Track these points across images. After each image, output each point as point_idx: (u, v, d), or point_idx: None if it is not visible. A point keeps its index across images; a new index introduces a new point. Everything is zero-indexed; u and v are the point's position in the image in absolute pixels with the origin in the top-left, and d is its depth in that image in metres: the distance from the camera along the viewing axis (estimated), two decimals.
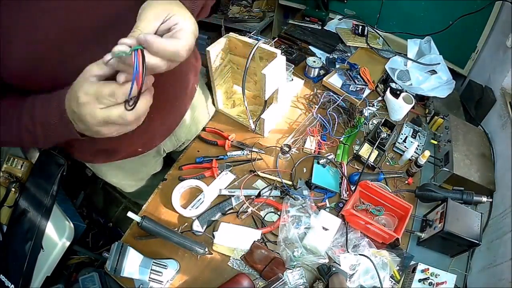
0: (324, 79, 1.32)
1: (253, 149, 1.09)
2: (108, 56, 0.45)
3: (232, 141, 1.10)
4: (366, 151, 1.09)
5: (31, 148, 0.72)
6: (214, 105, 1.19)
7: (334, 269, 0.81)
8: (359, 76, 1.32)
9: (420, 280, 0.82)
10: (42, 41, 0.54)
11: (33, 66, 0.55)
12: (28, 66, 0.55)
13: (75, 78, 0.48)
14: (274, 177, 1.03)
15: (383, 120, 1.16)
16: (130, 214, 0.79)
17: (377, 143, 1.07)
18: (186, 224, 0.95)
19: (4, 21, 0.50)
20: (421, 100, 1.30)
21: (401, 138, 1.15)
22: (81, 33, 0.56)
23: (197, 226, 0.92)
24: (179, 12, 0.49)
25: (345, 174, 1.05)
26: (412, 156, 1.08)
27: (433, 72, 1.30)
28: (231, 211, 0.97)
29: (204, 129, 1.16)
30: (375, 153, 1.08)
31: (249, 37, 1.03)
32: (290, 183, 1.02)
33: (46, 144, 0.61)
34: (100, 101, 0.46)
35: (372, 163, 1.07)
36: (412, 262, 0.89)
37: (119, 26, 0.51)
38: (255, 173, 1.04)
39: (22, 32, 0.52)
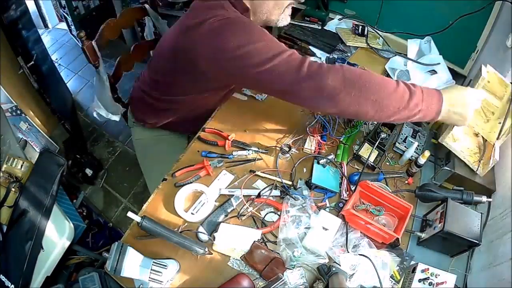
0: None
1: (255, 149, 1.09)
2: None
3: (232, 141, 1.10)
4: (366, 151, 1.09)
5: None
6: None
7: (334, 269, 0.81)
8: None
9: (420, 280, 0.82)
10: None
11: None
12: None
13: None
14: (274, 177, 1.03)
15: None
16: (130, 214, 0.79)
17: (377, 143, 1.07)
18: (186, 224, 0.95)
19: None
20: None
21: (401, 138, 1.15)
22: None
23: (202, 235, 0.92)
24: None
25: (345, 174, 1.05)
26: (412, 156, 1.08)
27: (433, 72, 1.30)
28: (232, 211, 0.97)
29: (203, 130, 1.16)
30: (375, 153, 1.08)
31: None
32: (290, 183, 1.02)
33: (408, 109, 0.81)
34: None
35: (372, 163, 1.07)
36: (412, 262, 0.89)
37: None
38: (255, 173, 1.04)
39: None
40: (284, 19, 1.01)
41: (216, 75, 0.94)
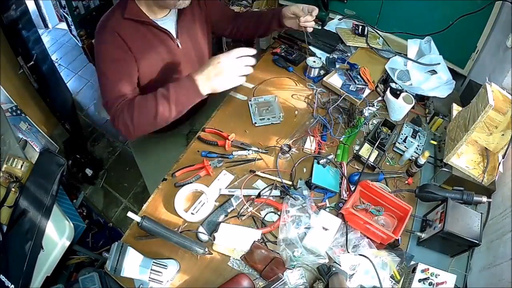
0: (324, 79, 1.32)
1: (255, 149, 1.09)
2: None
3: (232, 141, 1.10)
4: (366, 151, 1.09)
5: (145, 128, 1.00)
6: None
7: (334, 269, 0.81)
8: (359, 76, 1.32)
9: (420, 280, 0.82)
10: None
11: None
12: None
13: None
14: (274, 177, 1.03)
15: (383, 120, 1.16)
16: (130, 214, 0.79)
17: (377, 143, 1.07)
18: (186, 224, 0.95)
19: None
20: (421, 100, 1.30)
21: (401, 138, 1.15)
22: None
23: (202, 235, 0.92)
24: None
25: (345, 174, 1.05)
26: (412, 156, 1.08)
27: (433, 72, 1.30)
28: (232, 211, 0.97)
29: (203, 130, 1.16)
30: (375, 153, 1.08)
31: None
32: (290, 183, 1.02)
33: (175, 111, 0.93)
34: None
35: (372, 163, 1.07)
36: (412, 262, 0.89)
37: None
38: (255, 173, 1.04)
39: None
40: (182, 3, 1.01)
41: None
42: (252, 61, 0.92)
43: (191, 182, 1.01)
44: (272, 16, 1.26)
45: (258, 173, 1.04)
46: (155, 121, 0.94)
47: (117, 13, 1.01)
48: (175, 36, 1.10)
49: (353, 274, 0.85)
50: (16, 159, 1.32)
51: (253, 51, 0.93)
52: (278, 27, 1.28)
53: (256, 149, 1.10)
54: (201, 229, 0.93)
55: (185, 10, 1.08)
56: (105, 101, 1.00)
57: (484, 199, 0.92)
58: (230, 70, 0.90)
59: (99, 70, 1.01)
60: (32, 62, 1.69)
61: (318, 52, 1.48)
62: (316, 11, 1.18)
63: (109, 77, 1.00)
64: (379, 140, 1.08)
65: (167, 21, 1.08)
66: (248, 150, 1.09)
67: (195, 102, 0.95)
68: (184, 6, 1.02)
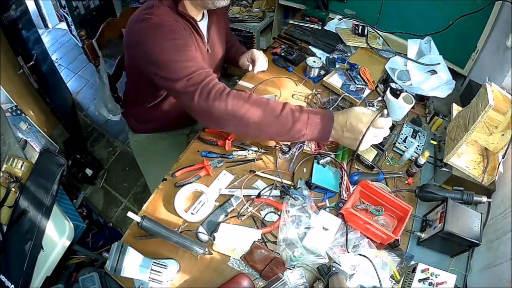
0: (324, 79, 1.32)
1: (255, 149, 1.09)
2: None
3: (232, 141, 1.10)
4: (366, 151, 1.09)
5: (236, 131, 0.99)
6: None
7: (334, 269, 0.81)
8: (359, 76, 1.32)
9: (420, 280, 0.82)
10: None
11: None
12: None
13: None
14: (274, 177, 1.03)
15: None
16: (130, 214, 0.79)
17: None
18: (186, 224, 0.95)
19: None
20: (421, 100, 1.30)
21: (401, 138, 1.15)
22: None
23: (202, 235, 0.92)
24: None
25: (345, 174, 1.05)
26: (412, 156, 1.08)
27: (433, 72, 1.30)
28: (232, 211, 0.97)
29: (204, 130, 1.16)
30: (374, 152, 1.09)
31: None
32: (289, 183, 1.02)
33: (290, 135, 0.88)
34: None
35: (371, 163, 1.07)
36: (412, 262, 0.89)
37: None
38: (255, 173, 1.04)
39: None
40: (221, 2, 1.00)
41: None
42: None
43: (191, 182, 1.01)
44: (235, 54, 1.36)
45: (258, 173, 1.04)
46: (249, 135, 0.94)
47: (164, 5, 0.96)
48: (206, 41, 1.13)
49: (353, 274, 0.85)
50: (16, 159, 1.32)
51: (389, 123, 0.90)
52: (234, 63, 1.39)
53: (256, 149, 1.10)
54: (201, 229, 0.93)
55: (214, 17, 1.12)
56: (186, 78, 0.86)
57: (484, 199, 0.92)
58: (367, 139, 0.87)
59: (164, 56, 0.88)
60: (32, 62, 1.69)
61: (318, 52, 1.48)
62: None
63: (182, 55, 0.89)
64: None
65: (202, 25, 1.10)
66: (248, 150, 1.09)
67: (315, 140, 0.98)
68: (223, 5, 1.02)
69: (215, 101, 0.84)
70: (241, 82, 1.35)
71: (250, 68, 1.29)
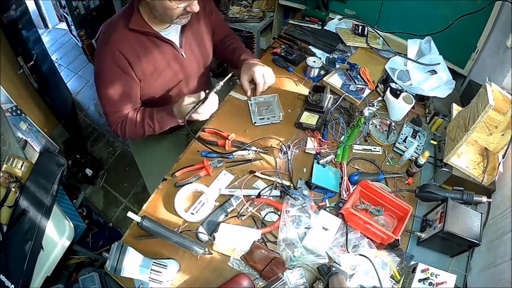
0: (324, 79, 1.32)
1: (255, 149, 1.09)
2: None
3: (232, 141, 1.10)
4: (307, 118, 1.17)
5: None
6: None
7: (334, 269, 0.82)
8: (359, 76, 1.32)
9: (420, 280, 0.82)
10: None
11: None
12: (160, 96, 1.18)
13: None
14: (274, 178, 1.03)
15: (312, 86, 1.24)
16: (130, 214, 0.79)
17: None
18: (186, 224, 0.95)
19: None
20: (421, 100, 1.30)
21: (401, 138, 1.15)
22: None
23: (202, 235, 0.92)
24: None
25: (345, 174, 1.05)
26: (412, 156, 1.08)
27: (433, 72, 1.30)
28: (232, 211, 0.97)
29: (203, 130, 1.16)
30: (316, 117, 1.17)
31: None
32: (288, 183, 1.02)
33: (158, 132, 1.14)
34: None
35: (314, 126, 1.13)
36: (412, 262, 0.89)
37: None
38: (255, 173, 1.04)
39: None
40: (181, 21, 1.03)
41: None
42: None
43: (191, 182, 1.01)
44: (237, 60, 1.30)
45: (258, 174, 1.04)
46: (143, 136, 1.15)
47: (121, 24, 1.02)
48: (179, 46, 1.12)
49: (353, 274, 0.85)
50: (16, 159, 1.32)
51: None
52: (234, 68, 1.34)
53: (256, 149, 1.10)
54: (201, 229, 0.93)
55: (191, 20, 1.09)
56: (104, 112, 1.12)
57: (484, 199, 0.92)
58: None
59: (98, 84, 1.07)
60: (32, 62, 1.69)
61: (318, 52, 1.48)
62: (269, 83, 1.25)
63: (109, 96, 1.07)
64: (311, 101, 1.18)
65: (171, 31, 1.10)
66: (248, 150, 1.09)
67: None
68: (183, 23, 1.04)
69: (119, 131, 1.14)
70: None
71: (249, 93, 1.26)
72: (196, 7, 1.00)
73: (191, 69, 1.21)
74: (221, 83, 1.02)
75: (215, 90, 1.02)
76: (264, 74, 1.21)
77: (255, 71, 1.20)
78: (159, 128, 1.13)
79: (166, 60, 1.12)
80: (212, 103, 1.04)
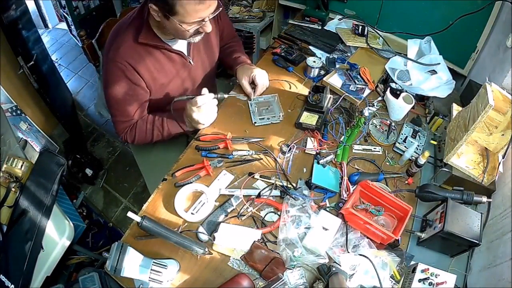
0: (324, 79, 1.32)
1: (255, 152, 1.10)
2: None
3: (231, 139, 1.10)
4: (307, 118, 1.17)
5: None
6: None
7: (334, 269, 0.82)
8: (359, 76, 1.32)
9: (420, 280, 0.82)
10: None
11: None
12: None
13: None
14: (274, 179, 1.03)
15: (312, 86, 1.24)
16: (130, 214, 0.79)
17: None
18: (186, 224, 0.95)
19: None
20: (421, 100, 1.30)
21: (401, 138, 1.15)
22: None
23: (202, 235, 0.92)
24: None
25: (345, 174, 1.05)
26: (412, 156, 1.08)
27: (433, 72, 1.30)
28: (232, 211, 0.97)
29: (198, 139, 1.14)
30: (315, 117, 1.17)
31: None
32: (287, 184, 1.02)
33: (167, 138, 1.18)
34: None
35: (314, 126, 1.13)
36: (412, 262, 0.89)
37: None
38: (253, 175, 1.04)
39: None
40: (194, 39, 1.04)
41: None
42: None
43: (191, 182, 1.01)
44: (233, 61, 1.31)
45: (257, 175, 1.04)
46: (151, 142, 1.18)
47: (130, 36, 1.02)
48: (187, 55, 1.13)
49: (353, 274, 0.85)
50: (16, 159, 1.32)
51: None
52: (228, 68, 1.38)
53: (256, 149, 1.10)
54: (201, 229, 0.93)
55: None
56: (113, 121, 1.16)
57: (484, 199, 0.92)
58: (198, 117, 1.07)
59: (108, 94, 1.08)
60: (32, 62, 1.69)
61: (318, 52, 1.48)
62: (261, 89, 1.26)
63: (118, 106, 1.10)
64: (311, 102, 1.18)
65: (180, 41, 1.10)
66: (248, 150, 1.09)
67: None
68: (197, 41, 1.05)
69: (128, 139, 1.18)
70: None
71: (252, 95, 1.25)
72: (208, 28, 0.99)
73: (198, 76, 1.22)
74: (225, 95, 1.14)
75: (217, 96, 1.08)
76: (263, 76, 1.24)
77: (255, 74, 1.22)
78: (168, 135, 1.16)
79: (176, 69, 1.13)
80: (212, 111, 1.09)
